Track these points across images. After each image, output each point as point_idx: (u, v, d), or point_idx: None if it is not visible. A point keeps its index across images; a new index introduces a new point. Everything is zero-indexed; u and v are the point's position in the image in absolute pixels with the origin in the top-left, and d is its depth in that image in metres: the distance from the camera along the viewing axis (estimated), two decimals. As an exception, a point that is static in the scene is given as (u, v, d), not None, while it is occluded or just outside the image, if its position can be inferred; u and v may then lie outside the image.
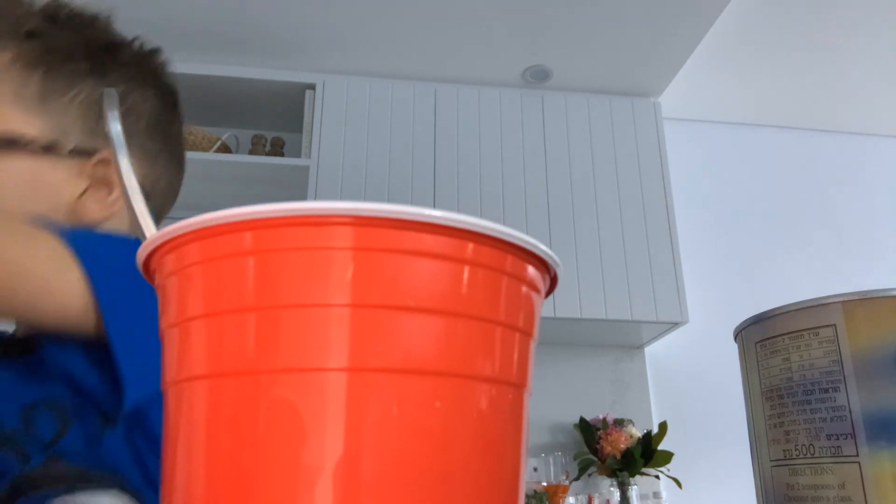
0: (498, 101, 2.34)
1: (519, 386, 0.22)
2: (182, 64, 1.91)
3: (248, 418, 0.18)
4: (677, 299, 2.19)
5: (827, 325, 0.27)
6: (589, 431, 2.17)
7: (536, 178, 2.26)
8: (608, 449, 2.10)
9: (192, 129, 2.06)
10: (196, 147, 2.07)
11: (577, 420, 2.25)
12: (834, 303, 0.26)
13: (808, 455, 0.27)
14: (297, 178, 2.18)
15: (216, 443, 0.19)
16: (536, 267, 0.22)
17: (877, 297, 0.26)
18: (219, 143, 2.11)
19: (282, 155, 2.25)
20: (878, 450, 0.24)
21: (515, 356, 0.22)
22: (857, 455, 0.25)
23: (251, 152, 2.22)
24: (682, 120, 2.63)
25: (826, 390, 0.26)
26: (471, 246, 0.20)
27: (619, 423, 2.16)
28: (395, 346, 0.19)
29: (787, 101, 2.59)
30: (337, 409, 0.18)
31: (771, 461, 0.29)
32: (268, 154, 2.22)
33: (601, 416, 2.20)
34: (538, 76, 2.32)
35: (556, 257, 0.22)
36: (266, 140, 2.25)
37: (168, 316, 0.21)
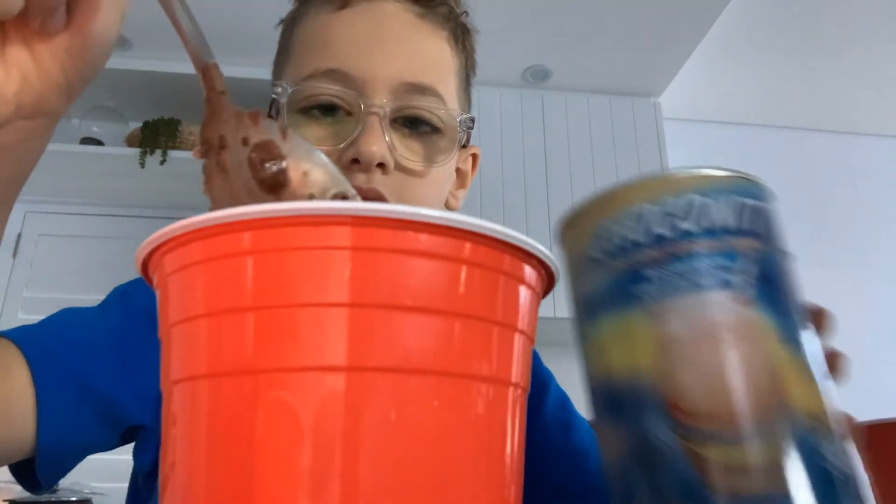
0: (498, 100, 2.34)
1: (517, 385, 0.22)
2: (182, 64, 1.90)
3: (247, 417, 0.19)
4: (677, 299, 2.18)
5: (558, 243, 0.32)
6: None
7: (536, 178, 2.26)
8: (608, 449, 2.09)
9: (193, 129, 2.06)
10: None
11: (576, 420, 2.25)
12: (559, 228, 0.31)
13: (580, 342, 0.31)
14: (297, 178, 2.16)
15: (216, 442, 0.19)
16: (534, 267, 0.23)
17: (577, 210, 0.30)
18: (219, 143, 2.11)
19: (282, 155, 2.24)
20: (593, 322, 0.28)
21: (513, 356, 0.22)
22: (585, 335, 0.29)
23: (251, 152, 2.21)
24: (682, 120, 2.63)
25: (571, 290, 0.31)
26: (468, 246, 0.20)
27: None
28: (394, 346, 0.19)
29: (787, 101, 2.58)
30: (335, 409, 0.18)
31: None
32: (268, 154, 2.22)
33: (601, 416, 2.20)
34: (538, 76, 2.32)
35: (552, 256, 0.23)
36: (266, 140, 2.25)
37: (168, 316, 0.21)
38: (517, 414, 0.22)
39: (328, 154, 0.47)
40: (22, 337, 0.44)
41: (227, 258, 0.20)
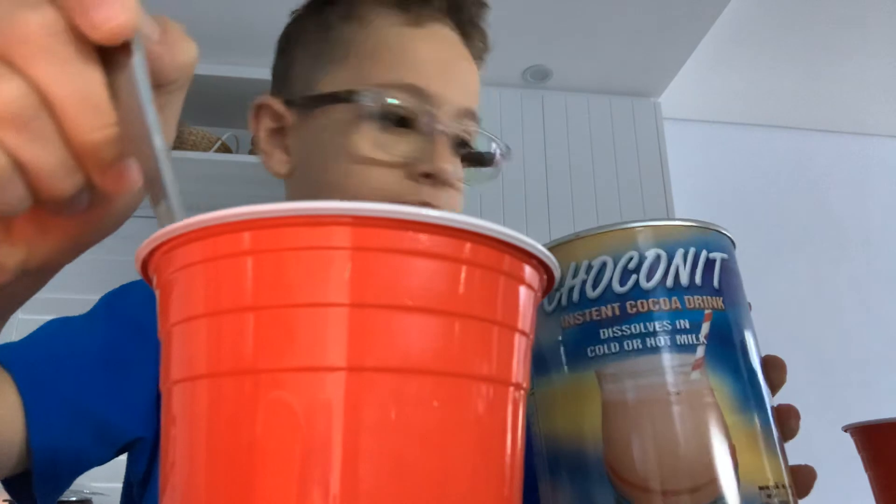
0: (498, 100, 2.34)
1: (517, 385, 0.22)
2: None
3: (247, 417, 0.19)
4: (677, 299, 2.18)
5: None
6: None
7: (536, 178, 2.26)
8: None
9: (192, 129, 2.06)
10: (196, 147, 2.07)
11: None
12: None
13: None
14: (297, 178, 2.17)
15: (215, 442, 0.19)
16: (534, 267, 0.23)
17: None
18: (219, 143, 2.11)
19: (282, 155, 2.24)
20: (541, 379, 0.27)
21: (513, 356, 0.22)
22: (533, 388, 0.28)
23: (251, 152, 2.21)
24: (682, 120, 2.63)
25: None
26: (468, 246, 0.20)
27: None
28: (393, 346, 0.19)
29: (788, 101, 2.58)
30: (335, 409, 0.18)
31: None
32: (268, 154, 2.22)
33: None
34: (538, 76, 2.32)
35: (552, 257, 0.23)
36: (266, 140, 2.25)
37: (168, 316, 0.21)
38: (517, 414, 0.22)
39: (398, 165, 0.49)
40: (10, 357, 0.43)
41: (226, 258, 0.20)
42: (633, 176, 2.32)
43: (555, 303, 0.27)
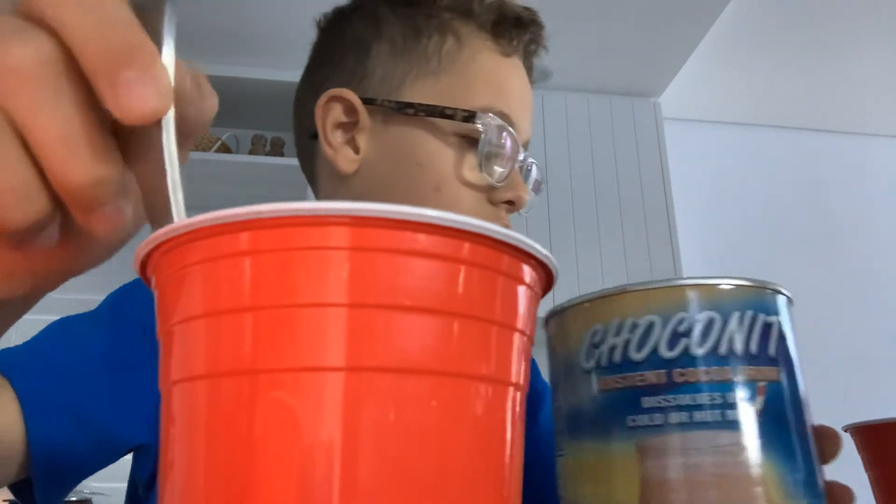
0: (498, 101, 2.34)
1: (516, 385, 0.22)
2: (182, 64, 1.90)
3: (246, 418, 0.19)
4: (677, 299, 2.18)
5: (551, 336, 0.28)
6: (589, 431, 2.17)
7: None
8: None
9: (193, 130, 2.06)
10: (196, 147, 2.07)
11: (577, 420, 2.25)
12: (549, 316, 0.29)
13: (555, 449, 0.29)
14: (297, 178, 2.16)
15: (214, 443, 0.19)
16: (533, 267, 0.23)
17: (566, 308, 0.27)
18: (219, 143, 2.11)
19: (282, 155, 2.25)
20: (573, 443, 0.26)
21: (512, 355, 0.22)
22: (563, 450, 0.26)
23: (251, 152, 2.21)
24: (682, 120, 2.63)
25: (553, 393, 0.28)
26: (467, 246, 0.20)
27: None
28: (392, 346, 0.19)
29: (788, 101, 2.58)
30: (334, 409, 0.18)
31: None
32: (268, 154, 2.22)
33: (601, 416, 2.20)
34: (538, 76, 2.32)
35: (551, 256, 0.23)
36: (266, 140, 2.25)
37: (167, 317, 0.21)
38: (516, 414, 0.22)
39: (486, 189, 0.50)
40: (9, 364, 0.43)
41: (225, 258, 0.20)
42: (633, 176, 2.32)
43: (594, 360, 0.25)
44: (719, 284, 0.25)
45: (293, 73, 2.33)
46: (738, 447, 0.23)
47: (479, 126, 0.48)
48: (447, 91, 0.51)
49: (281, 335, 0.19)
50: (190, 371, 0.20)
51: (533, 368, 0.60)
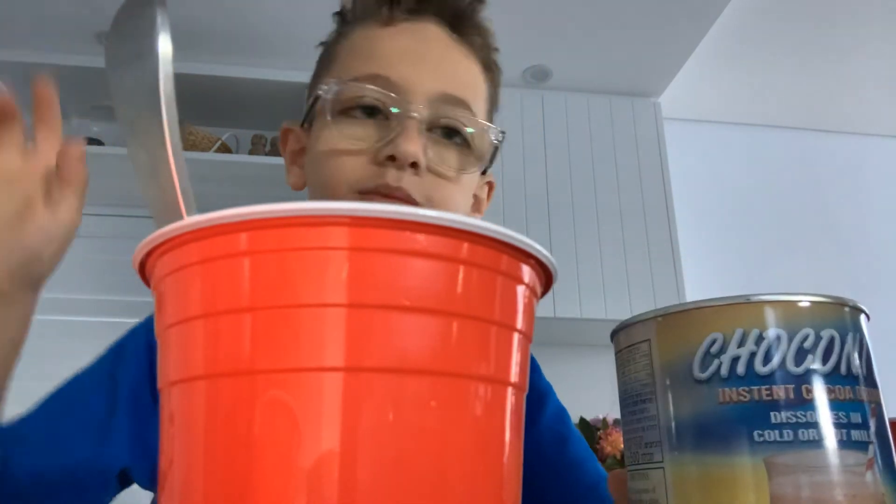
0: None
1: (515, 385, 0.22)
2: (182, 64, 1.90)
3: (244, 418, 0.18)
4: (677, 299, 2.18)
5: (644, 341, 0.28)
6: (589, 432, 2.16)
7: (536, 178, 2.26)
8: (608, 449, 2.09)
9: (192, 129, 2.06)
10: (196, 147, 2.07)
11: (577, 420, 2.25)
12: (649, 319, 0.27)
13: (634, 461, 0.28)
14: (297, 179, 2.17)
15: (214, 442, 0.19)
16: (532, 266, 0.23)
17: (678, 313, 0.26)
18: (219, 143, 2.11)
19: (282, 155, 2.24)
20: (679, 455, 0.25)
21: (511, 355, 0.22)
22: (663, 461, 0.26)
23: (251, 152, 2.21)
24: (682, 120, 2.63)
25: (644, 401, 0.27)
26: (466, 246, 0.20)
27: (620, 423, 2.16)
28: (391, 346, 0.19)
29: (787, 101, 2.58)
30: (333, 409, 0.18)
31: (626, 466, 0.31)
32: (268, 154, 2.22)
33: (601, 417, 2.20)
34: (538, 76, 2.32)
35: (550, 256, 0.23)
36: (266, 140, 2.25)
37: (165, 317, 0.21)
38: (515, 413, 0.22)
39: (366, 151, 0.49)
40: (8, 439, 0.45)
41: (223, 259, 0.20)
42: (633, 176, 2.32)
43: (711, 370, 0.24)
44: (836, 303, 0.25)
45: (294, 74, 2.33)
46: (864, 468, 0.23)
47: (320, 92, 0.50)
48: (327, 83, 0.53)
49: (280, 335, 0.19)
50: (189, 371, 0.20)
51: (534, 368, 0.59)
